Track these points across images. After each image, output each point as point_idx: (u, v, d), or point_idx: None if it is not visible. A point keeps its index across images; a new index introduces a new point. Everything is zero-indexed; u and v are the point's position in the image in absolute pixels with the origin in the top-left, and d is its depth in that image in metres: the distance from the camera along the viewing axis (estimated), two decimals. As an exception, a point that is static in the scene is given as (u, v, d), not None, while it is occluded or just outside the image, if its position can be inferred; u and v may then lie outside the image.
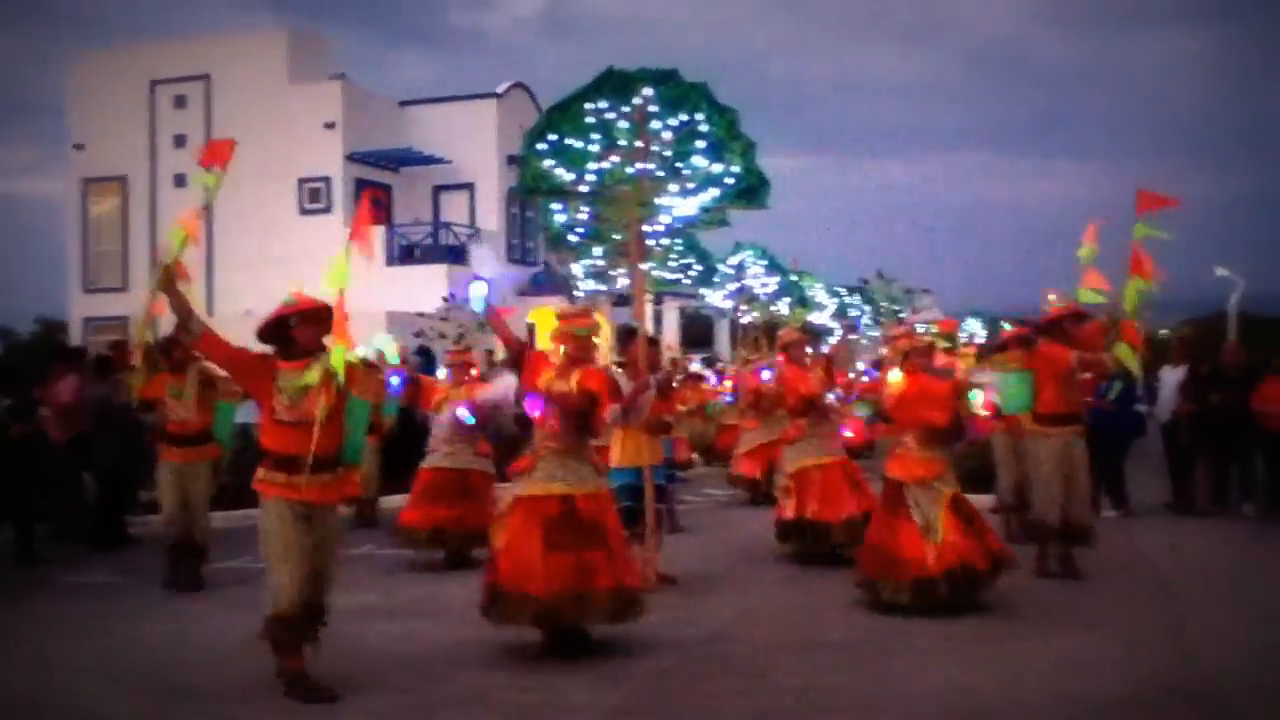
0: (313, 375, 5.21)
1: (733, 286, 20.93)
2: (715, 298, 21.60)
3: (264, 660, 5.38)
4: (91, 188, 27.12)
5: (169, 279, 5.41)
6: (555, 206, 9.40)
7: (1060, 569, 7.91)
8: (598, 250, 10.99)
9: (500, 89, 27.38)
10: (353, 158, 25.29)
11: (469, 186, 27.14)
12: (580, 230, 9.33)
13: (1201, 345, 15.55)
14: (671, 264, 14.50)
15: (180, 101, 26.30)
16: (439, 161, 26.44)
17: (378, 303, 18.75)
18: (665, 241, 9.97)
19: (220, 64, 25.88)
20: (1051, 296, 8.09)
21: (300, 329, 5.40)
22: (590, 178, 7.90)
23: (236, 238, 24.44)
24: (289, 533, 5.23)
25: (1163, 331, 17.19)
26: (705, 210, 8.19)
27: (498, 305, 6.63)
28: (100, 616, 7.28)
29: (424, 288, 21.76)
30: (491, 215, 26.87)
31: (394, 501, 12.29)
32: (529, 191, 8.38)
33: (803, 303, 23.19)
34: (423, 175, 27.07)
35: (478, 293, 6.45)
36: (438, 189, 27.16)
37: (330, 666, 5.42)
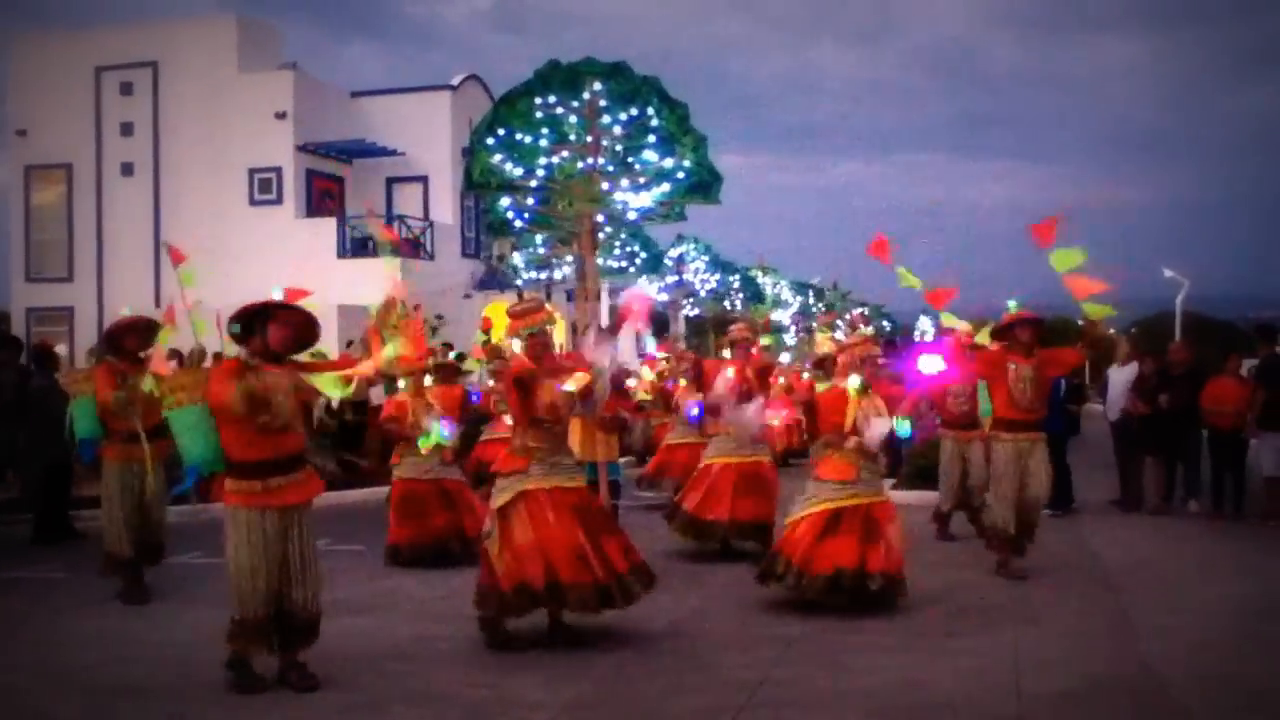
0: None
1: (671, 279, 20.93)
2: (651, 289, 21.56)
3: (205, 657, 5.31)
4: (35, 175, 26.51)
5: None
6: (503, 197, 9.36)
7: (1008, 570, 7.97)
8: (539, 239, 10.97)
9: (454, 81, 27.15)
10: (304, 148, 24.95)
11: (423, 179, 26.89)
12: (526, 216, 9.30)
13: (1148, 344, 15.83)
14: (616, 253, 14.51)
15: (127, 89, 25.75)
16: (392, 153, 26.17)
17: (330, 297, 18.51)
18: (609, 230, 9.96)
19: (168, 51, 25.39)
20: (1011, 303, 8.19)
21: (276, 328, 5.35)
22: (540, 172, 7.87)
23: (186, 228, 24.01)
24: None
25: (1110, 331, 17.43)
26: (659, 203, 8.18)
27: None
28: (41, 612, 7.12)
29: (377, 281, 21.48)
30: (446, 208, 26.66)
31: (349, 496, 12.25)
32: (477, 186, 8.32)
33: (759, 299, 23.33)
34: (376, 167, 26.77)
35: None
36: (391, 181, 26.88)
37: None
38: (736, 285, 22.07)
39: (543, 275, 17.40)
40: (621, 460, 9.24)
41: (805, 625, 6.56)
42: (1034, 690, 5.30)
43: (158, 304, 21.06)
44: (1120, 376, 12.22)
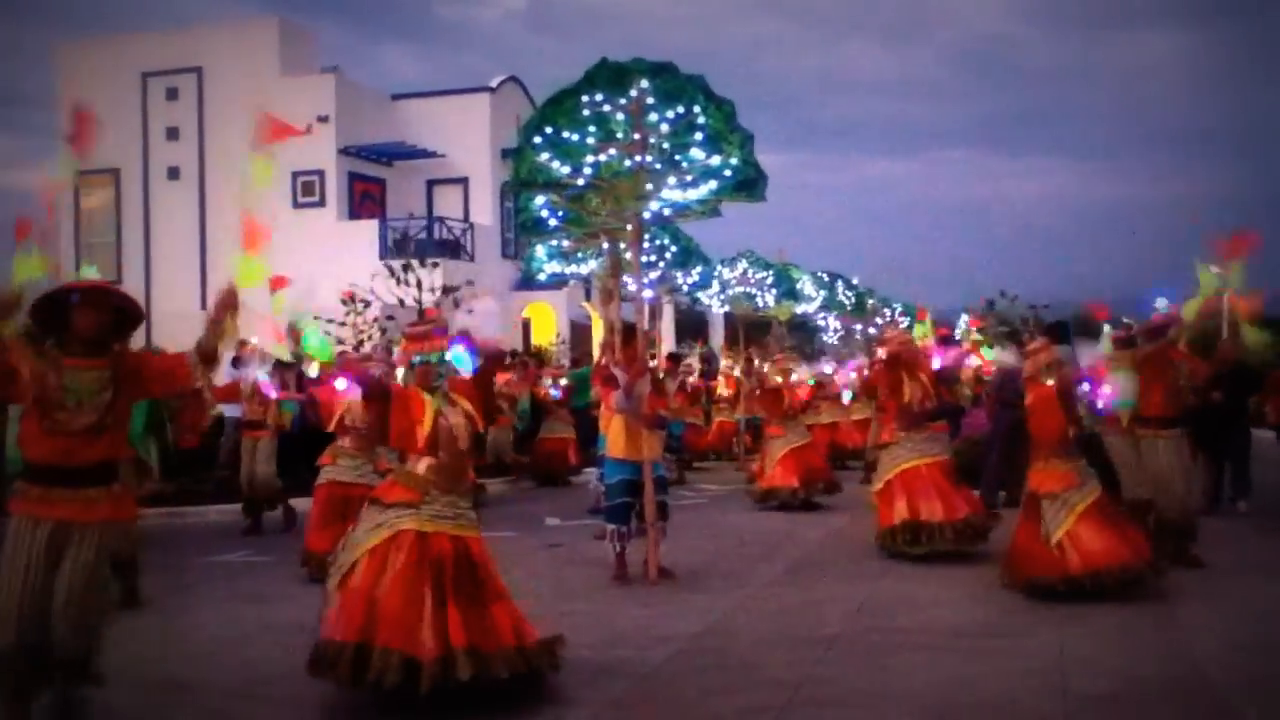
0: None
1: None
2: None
3: (255, 654, 5.35)
4: (84, 180, 26.98)
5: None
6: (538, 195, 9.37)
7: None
8: (568, 237, 10.95)
9: (493, 83, 27.30)
10: (346, 151, 25.21)
11: (463, 181, 27.07)
12: (560, 214, 9.28)
13: (1194, 341, 15.57)
14: (645, 246, 14.37)
15: (172, 94, 26.17)
16: (432, 155, 26.37)
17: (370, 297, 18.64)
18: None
19: (211, 56, 25.75)
20: (1161, 302, 8.31)
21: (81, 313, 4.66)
22: (587, 170, 7.85)
23: (230, 231, 24.37)
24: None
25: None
26: (701, 201, 8.16)
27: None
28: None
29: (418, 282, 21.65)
30: (485, 210, 26.82)
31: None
32: (524, 184, 8.31)
33: (792, 295, 23.19)
34: (416, 169, 26.99)
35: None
36: (431, 183, 27.10)
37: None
38: (770, 281, 22.02)
39: (568, 269, 17.30)
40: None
41: (845, 625, 6.54)
42: (1081, 691, 5.24)
43: (203, 305, 21.35)
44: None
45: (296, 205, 25.17)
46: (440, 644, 4.73)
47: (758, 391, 13.33)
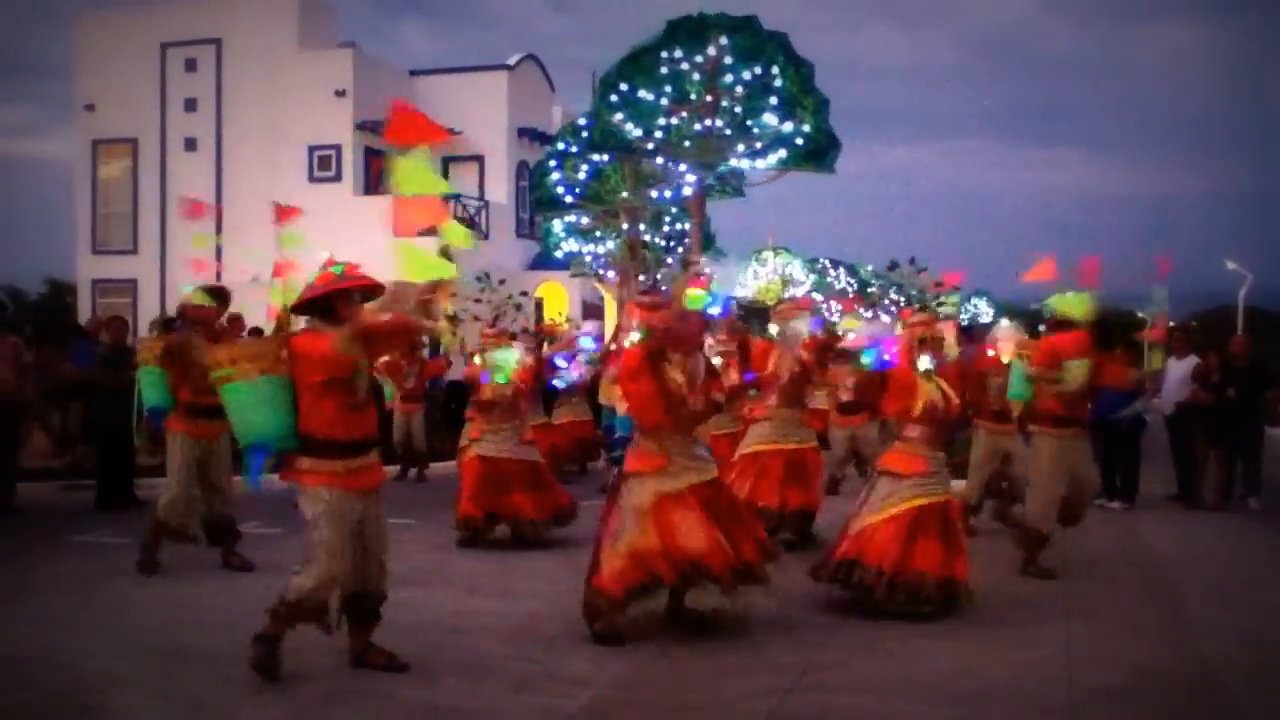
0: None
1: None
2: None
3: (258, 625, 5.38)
4: (102, 149, 27.05)
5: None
6: (551, 164, 9.23)
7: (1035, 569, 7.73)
8: (585, 215, 10.79)
9: (511, 61, 27.24)
10: (363, 126, 25.20)
11: (479, 159, 27.05)
12: (577, 191, 9.16)
13: (1207, 338, 15.50)
14: (665, 230, 14.25)
15: (191, 65, 26.18)
16: (450, 133, 26.34)
17: (386, 274, 18.68)
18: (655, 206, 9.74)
19: (231, 28, 25.75)
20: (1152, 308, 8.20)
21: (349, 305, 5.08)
22: (658, 134, 7.64)
23: (246, 203, 24.39)
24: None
25: (1170, 324, 17.12)
26: (774, 170, 7.80)
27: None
28: (103, 576, 7.31)
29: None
30: (501, 188, 26.80)
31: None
32: (596, 148, 8.07)
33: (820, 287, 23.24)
34: (432, 146, 26.97)
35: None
36: (447, 160, 27.09)
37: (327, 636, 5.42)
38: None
39: (585, 249, 17.18)
40: None
41: (850, 612, 6.53)
42: (1085, 682, 5.25)
43: (219, 276, 21.32)
44: (1178, 369, 11.97)
45: (312, 179, 25.19)
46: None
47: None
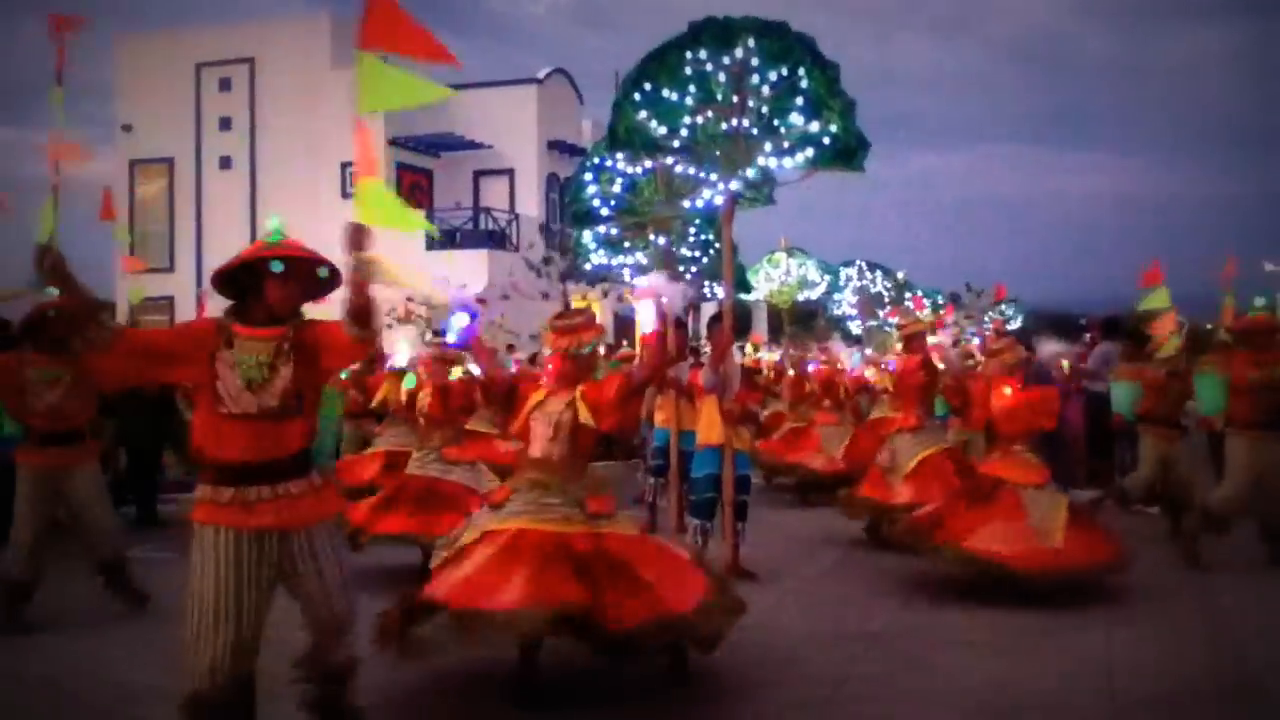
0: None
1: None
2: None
3: (296, 640, 5.38)
4: (139, 169, 27.45)
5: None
6: (587, 178, 9.14)
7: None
8: (619, 227, 10.70)
9: (541, 75, 27.39)
10: (394, 142, 25.41)
11: (509, 172, 27.19)
12: (613, 202, 9.06)
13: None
14: (691, 240, 14.15)
15: (225, 85, 26.54)
16: (480, 147, 26.51)
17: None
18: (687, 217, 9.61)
19: (264, 48, 26.09)
20: (1259, 301, 8.26)
21: (279, 283, 3.94)
22: (683, 133, 7.57)
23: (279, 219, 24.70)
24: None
25: (1208, 325, 16.88)
26: (801, 171, 7.72)
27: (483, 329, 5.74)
28: (153, 590, 7.35)
29: (464, 272, 21.84)
30: (531, 201, 26.92)
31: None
32: (619, 145, 7.95)
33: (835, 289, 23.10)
34: (463, 160, 27.15)
35: (458, 324, 5.44)
36: (478, 174, 27.26)
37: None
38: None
39: (614, 260, 17.11)
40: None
41: (889, 622, 6.49)
42: (1130, 694, 5.17)
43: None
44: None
45: (345, 195, 25.40)
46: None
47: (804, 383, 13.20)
